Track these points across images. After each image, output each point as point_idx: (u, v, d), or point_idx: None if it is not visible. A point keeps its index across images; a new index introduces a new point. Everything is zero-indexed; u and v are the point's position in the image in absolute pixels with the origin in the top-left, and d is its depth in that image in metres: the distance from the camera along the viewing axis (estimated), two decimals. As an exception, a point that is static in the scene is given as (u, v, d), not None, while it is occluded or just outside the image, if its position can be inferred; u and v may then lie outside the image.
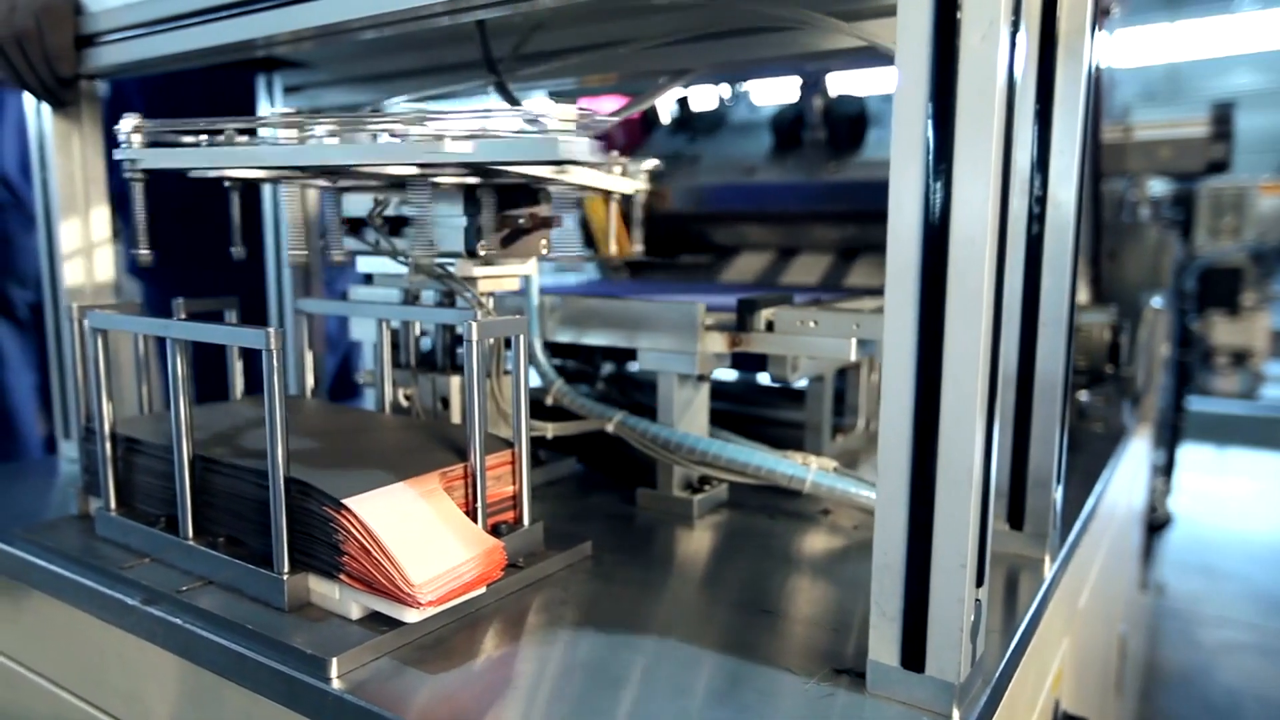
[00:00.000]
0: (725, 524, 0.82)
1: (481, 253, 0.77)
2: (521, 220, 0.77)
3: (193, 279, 1.56)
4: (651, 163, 0.95)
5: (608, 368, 1.21)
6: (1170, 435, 2.49)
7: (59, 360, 1.02)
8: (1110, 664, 1.29)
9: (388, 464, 0.62)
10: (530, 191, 0.82)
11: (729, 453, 0.80)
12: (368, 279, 1.00)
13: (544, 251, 0.83)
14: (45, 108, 0.97)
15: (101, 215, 1.02)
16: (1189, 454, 3.11)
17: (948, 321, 0.46)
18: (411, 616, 0.55)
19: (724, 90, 1.73)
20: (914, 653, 0.49)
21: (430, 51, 1.06)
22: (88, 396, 0.77)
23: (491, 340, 0.84)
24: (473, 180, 0.75)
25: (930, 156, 0.45)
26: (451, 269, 0.80)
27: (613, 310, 0.85)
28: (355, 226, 0.84)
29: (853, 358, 0.78)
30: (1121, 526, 1.32)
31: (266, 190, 1.28)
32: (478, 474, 0.64)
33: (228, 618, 0.58)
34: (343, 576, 0.57)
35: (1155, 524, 2.36)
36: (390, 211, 0.82)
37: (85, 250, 1.01)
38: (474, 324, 0.62)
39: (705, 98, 1.74)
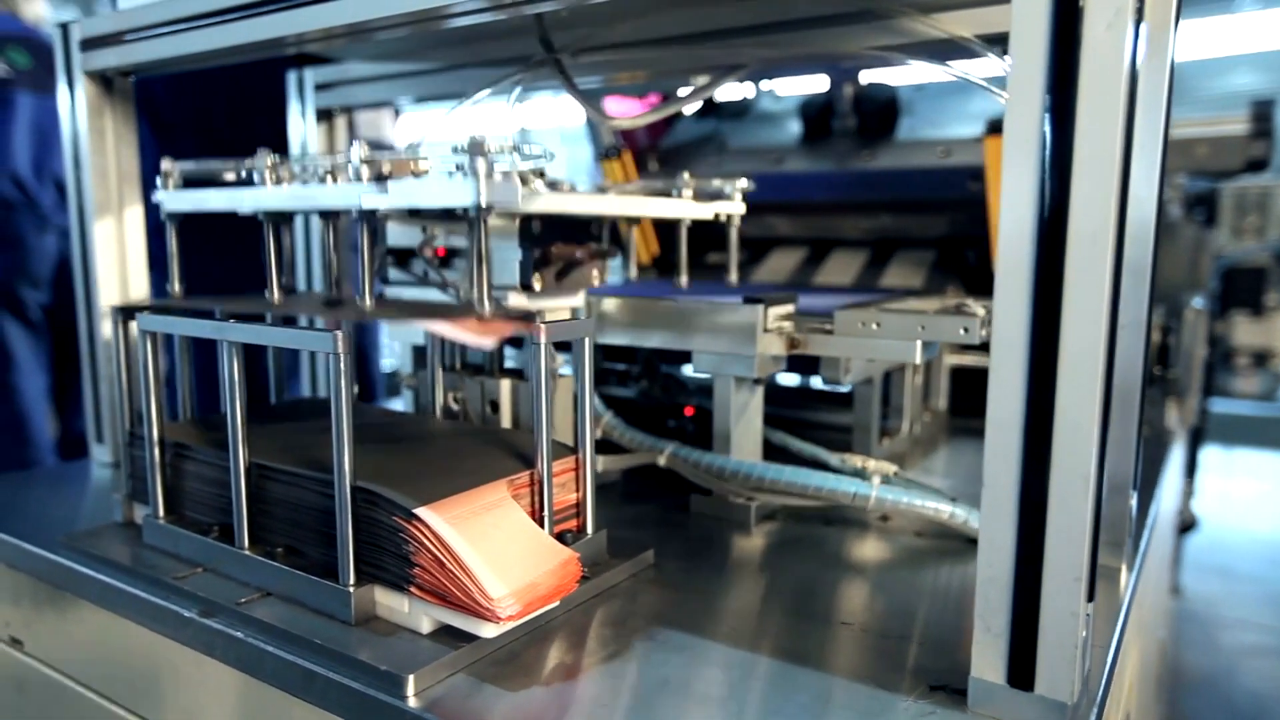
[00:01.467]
0: (783, 531, 0.80)
1: (536, 287, 0.75)
2: (578, 254, 0.75)
3: (218, 279, 1.54)
4: (743, 182, 0.93)
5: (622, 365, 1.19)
6: (1193, 437, 2.47)
7: (92, 362, 1.00)
8: (1152, 671, 1.27)
9: (453, 471, 0.60)
10: (585, 224, 0.81)
11: (787, 475, 0.77)
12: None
13: (596, 284, 0.81)
14: (81, 106, 0.95)
15: (135, 214, 1.00)
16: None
17: (1065, 321, 0.44)
18: (489, 632, 0.52)
19: (748, 89, 1.71)
20: (1022, 671, 0.47)
21: (470, 47, 1.04)
22: (133, 401, 0.75)
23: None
24: (534, 213, 0.73)
25: (1047, 151, 0.43)
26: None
27: (666, 311, 0.83)
28: (403, 258, 0.82)
29: (918, 360, 0.76)
30: (1165, 531, 1.30)
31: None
32: (545, 481, 0.62)
33: (292, 631, 0.56)
34: (413, 589, 0.55)
35: (1182, 527, 2.34)
36: (440, 242, 0.80)
37: (119, 250, 0.99)
38: (542, 327, 0.60)
39: (730, 92, 1.72)
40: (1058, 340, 0.44)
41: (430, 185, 0.58)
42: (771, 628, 0.60)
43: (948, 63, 0.76)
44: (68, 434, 2.54)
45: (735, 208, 0.94)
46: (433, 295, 0.80)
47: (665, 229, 1.46)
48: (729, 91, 1.72)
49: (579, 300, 0.81)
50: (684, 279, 0.96)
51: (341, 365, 0.55)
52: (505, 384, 0.82)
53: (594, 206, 0.77)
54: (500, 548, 0.54)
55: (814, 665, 0.54)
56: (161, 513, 0.70)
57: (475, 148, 0.55)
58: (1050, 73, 0.43)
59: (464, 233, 0.77)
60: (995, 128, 1.16)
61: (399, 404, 1.11)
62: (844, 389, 1.20)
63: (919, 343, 0.75)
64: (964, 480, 0.99)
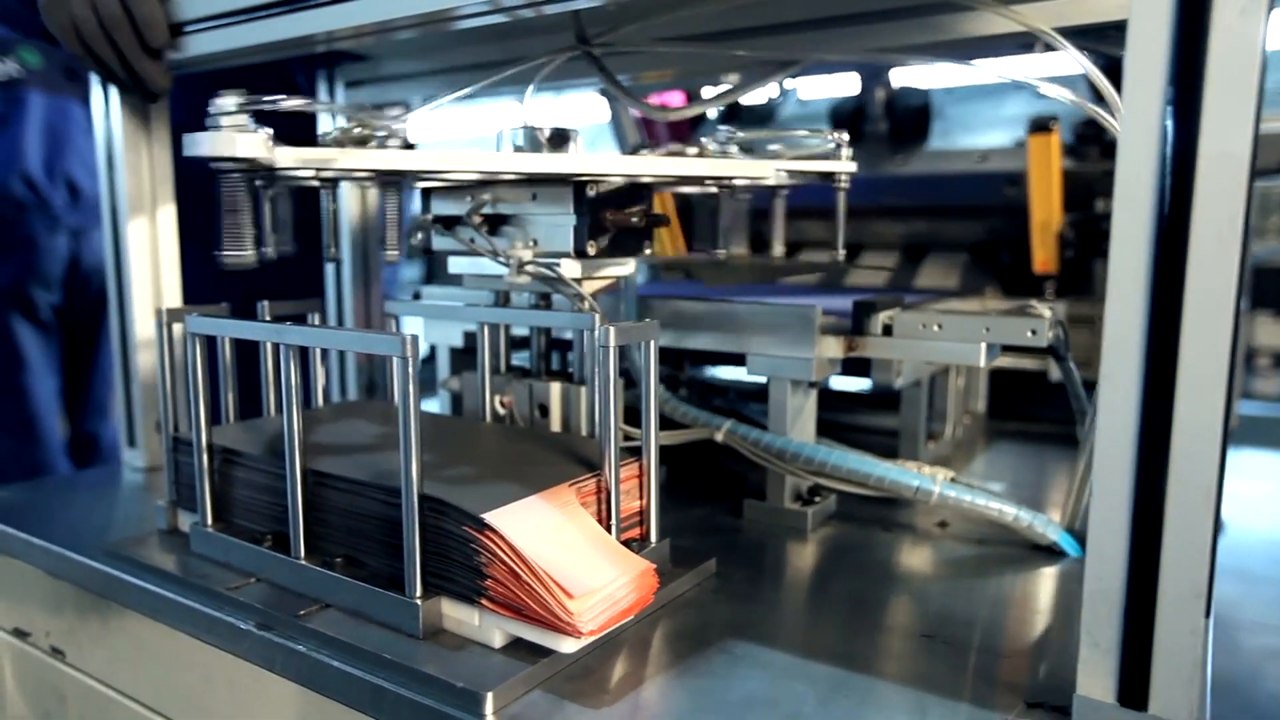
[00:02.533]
0: (841, 538, 0.78)
1: (591, 253, 0.73)
2: (634, 219, 0.73)
3: (238, 278, 1.51)
4: (843, 136, 0.89)
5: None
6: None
7: (125, 366, 0.98)
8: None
9: (517, 478, 0.59)
10: (636, 189, 0.78)
11: (849, 463, 0.76)
12: (428, 279, 0.96)
13: (647, 251, 0.79)
14: (115, 107, 0.93)
15: (168, 214, 0.98)
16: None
17: (1186, 323, 0.42)
18: (568, 647, 0.51)
19: (772, 89, 1.69)
20: (1135, 689, 0.45)
21: (507, 43, 1.02)
22: (177, 405, 0.73)
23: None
24: (586, 175, 0.71)
25: (1168, 146, 0.41)
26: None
27: (718, 313, 0.81)
28: (449, 224, 0.80)
29: (982, 364, 0.74)
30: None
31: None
32: (612, 487, 0.60)
33: (358, 645, 0.54)
34: (484, 601, 0.53)
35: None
36: (488, 210, 0.78)
37: (152, 251, 0.97)
38: (611, 329, 0.58)
39: (753, 96, 1.70)
40: (1177, 343, 0.42)
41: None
42: (849, 640, 0.58)
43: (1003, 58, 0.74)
44: (77, 435, 2.52)
45: (840, 166, 0.91)
46: (483, 264, 0.77)
47: (693, 226, 1.44)
48: (753, 96, 1.70)
49: (629, 268, 0.79)
50: (779, 248, 0.93)
51: (410, 370, 0.53)
52: (555, 387, 0.80)
53: (675, 169, 0.75)
54: (575, 558, 0.52)
55: (901, 680, 0.52)
56: (209, 520, 0.68)
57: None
58: (1173, 63, 0.41)
59: (512, 199, 0.75)
60: (1038, 126, 1.14)
61: (434, 406, 1.09)
62: (867, 391, 1.19)
63: (983, 345, 0.73)
64: (1011, 485, 0.97)
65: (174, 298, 0.99)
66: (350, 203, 1.17)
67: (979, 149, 1.35)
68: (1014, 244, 1.31)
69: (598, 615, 0.50)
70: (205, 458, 0.67)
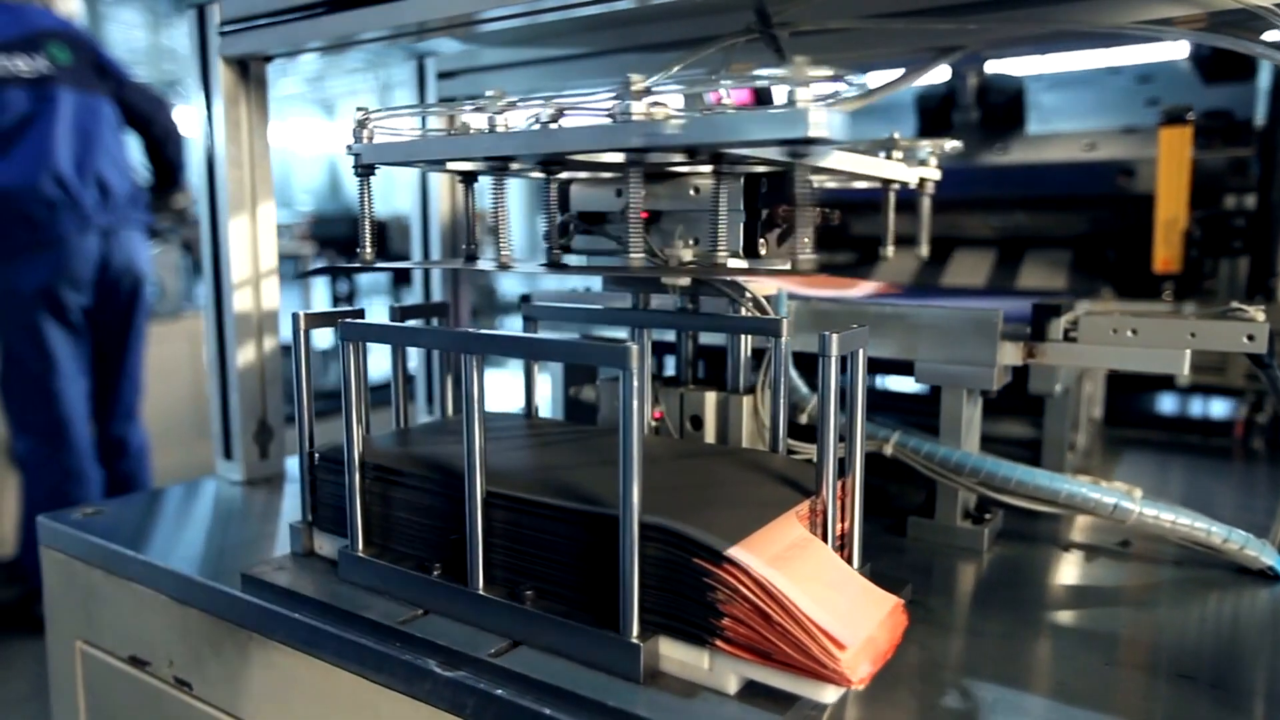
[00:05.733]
0: (1022, 558, 0.72)
1: (762, 253, 0.67)
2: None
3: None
4: (951, 143, 0.85)
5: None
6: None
7: (222, 374, 0.93)
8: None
9: (731, 502, 0.53)
10: (790, 184, 0.73)
11: (1037, 479, 0.70)
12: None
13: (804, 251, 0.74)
14: (218, 95, 0.87)
15: (268, 210, 0.92)
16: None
17: None
18: (830, 696, 0.45)
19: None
20: None
21: (624, 31, 0.96)
22: (310, 418, 0.68)
23: (749, 352, 0.75)
24: (760, 168, 0.65)
25: None
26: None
27: (886, 317, 0.76)
28: (593, 222, 0.74)
29: (1186, 371, 0.68)
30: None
31: (414, 183, 1.18)
32: (829, 511, 0.54)
33: (575, 690, 0.48)
34: (718, 643, 0.47)
35: None
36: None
37: (252, 250, 0.91)
38: (834, 337, 0.53)
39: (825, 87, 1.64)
40: None
41: (739, 119, 0.49)
42: (1100, 681, 0.52)
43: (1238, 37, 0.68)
44: (105, 438, 2.47)
45: (932, 173, 0.86)
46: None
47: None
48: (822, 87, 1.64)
49: (787, 268, 0.74)
50: (925, 249, 0.87)
51: (635, 384, 0.47)
52: (710, 397, 0.74)
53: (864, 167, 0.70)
54: (830, 596, 0.46)
55: (1188, 731, 0.47)
56: (361, 546, 0.62)
57: (800, 75, 0.46)
58: None
59: (664, 194, 0.70)
60: (1173, 117, 1.08)
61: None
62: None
63: (1188, 352, 0.68)
64: (1171, 499, 0.91)
65: (272, 299, 0.93)
66: (442, 199, 1.12)
67: (1087, 132, 1.29)
68: (1122, 239, 1.25)
69: (866, 661, 0.44)
70: (358, 477, 0.62)
